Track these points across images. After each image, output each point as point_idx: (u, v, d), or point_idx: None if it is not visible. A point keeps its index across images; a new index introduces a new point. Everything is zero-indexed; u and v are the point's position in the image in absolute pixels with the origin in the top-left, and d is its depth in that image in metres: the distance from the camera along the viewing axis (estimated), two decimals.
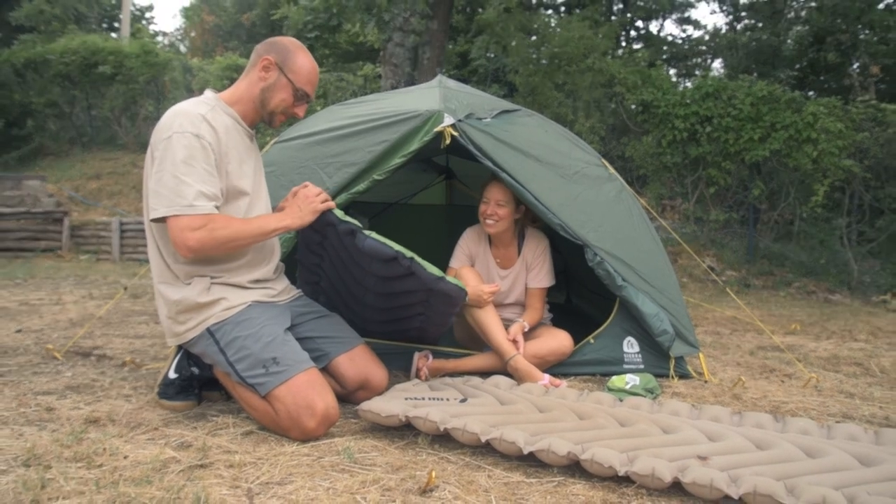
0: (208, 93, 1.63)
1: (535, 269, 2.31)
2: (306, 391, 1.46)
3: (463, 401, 1.68)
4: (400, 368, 2.11)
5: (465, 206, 3.62)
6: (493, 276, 2.37)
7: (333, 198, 2.13)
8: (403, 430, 1.58)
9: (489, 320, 2.09)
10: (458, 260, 2.35)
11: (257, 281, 1.62)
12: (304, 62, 1.61)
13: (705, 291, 5.44)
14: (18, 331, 2.75)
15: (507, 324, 2.37)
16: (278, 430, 1.50)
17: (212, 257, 1.53)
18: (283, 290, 1.70)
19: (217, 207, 1.49)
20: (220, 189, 1.50)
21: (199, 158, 1.46)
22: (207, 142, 1.48)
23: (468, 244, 2.36)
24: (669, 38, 15.13)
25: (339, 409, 1.53)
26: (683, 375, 2.23)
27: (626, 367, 2.20)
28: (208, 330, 1.52)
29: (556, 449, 1.33)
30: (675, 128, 6.36)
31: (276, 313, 1.60)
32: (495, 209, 2.23)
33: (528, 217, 2.36)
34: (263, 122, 1.66)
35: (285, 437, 1.49)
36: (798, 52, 10.87)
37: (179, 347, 1.69)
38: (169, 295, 1.55)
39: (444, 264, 2.68)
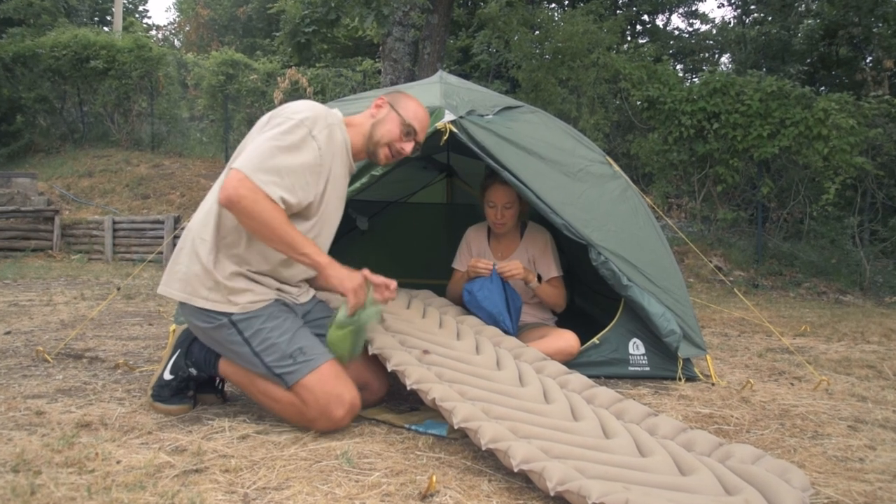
0: (336, 111, 1.66)
1: (540, 262, 2.33)
2: (334, 381, 1.50)
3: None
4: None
5: (466, 205, 3.58)
6: None
7: None
8: (403, 433, 1.56)
9: None
10: (461, 262, 2.40)
11: (281, 288, 1.62)
12: (415, 105, 1.71)
13: (713, 292, 5.37)
14: (7, 333, 2.72)
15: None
16: (303, 420, 1.51)
17: (246, 257, 1.52)
18: (301, 294, 1.70)
19: (287, 200, 1.47)
20: (303, 187, 1.50)
21: (304, 153, 1.49)
22: (317, 146, 1.52)
23: (472, 243, 2.41)
24: (676, 33, 15.03)
25: None
26: (690, 378, 2.18)
27: (631, 368, 2.17)
28: (231, 320, 1.50)
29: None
30: (681, 124, 6.27)
31: (291, 310, 1.61)
32: (503, 213, 2.27)
33: (526, 206, 2.38)
34: (368, 156, 1.69)
35: (310, 427, 1.51)
36: (809, 46, 10.74)
37: (175, 348, 1.67)
38: (203, 258, 1.50)
39: (442, 264, 2.65)
